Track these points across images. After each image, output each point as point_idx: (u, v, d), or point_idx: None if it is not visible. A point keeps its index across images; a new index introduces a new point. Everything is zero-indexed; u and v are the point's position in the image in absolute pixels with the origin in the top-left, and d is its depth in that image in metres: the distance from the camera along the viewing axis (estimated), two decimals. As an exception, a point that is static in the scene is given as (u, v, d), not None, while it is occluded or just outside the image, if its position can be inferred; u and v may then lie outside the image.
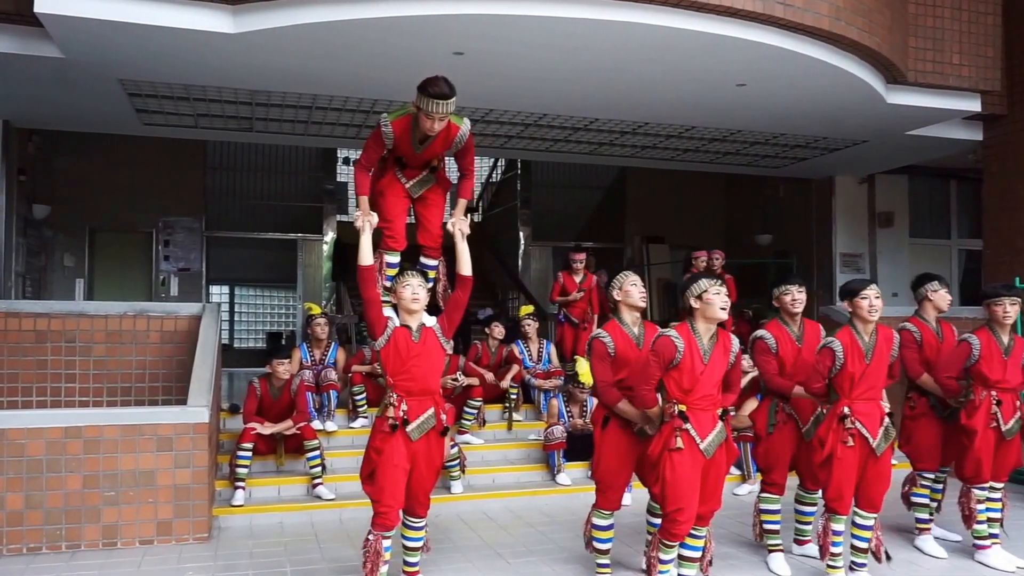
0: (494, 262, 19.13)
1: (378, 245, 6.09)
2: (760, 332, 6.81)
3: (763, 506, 6.74)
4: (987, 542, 6.82)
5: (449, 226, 5.98)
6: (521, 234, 18.52)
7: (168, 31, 8.11)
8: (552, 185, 19.20)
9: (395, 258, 6.22)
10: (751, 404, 9.29)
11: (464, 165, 6.25)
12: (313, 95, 10.51)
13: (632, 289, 6.01)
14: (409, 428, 5.48)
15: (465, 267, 5.84)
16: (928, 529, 7.17)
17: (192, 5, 8.03)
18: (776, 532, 6.65)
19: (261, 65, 9.17)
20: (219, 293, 21.24)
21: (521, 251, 18.44)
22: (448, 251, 6.18)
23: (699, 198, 18.43)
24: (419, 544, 5.89)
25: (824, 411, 6.23)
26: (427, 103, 5.64)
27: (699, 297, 5.54)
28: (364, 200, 6.08)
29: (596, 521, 6.14)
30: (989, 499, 6.87)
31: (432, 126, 5.77)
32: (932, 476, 7.19)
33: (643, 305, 6.03)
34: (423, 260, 6.36)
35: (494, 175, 21.46)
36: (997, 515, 6.92)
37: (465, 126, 5.99)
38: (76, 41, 8.39)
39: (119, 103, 10.65)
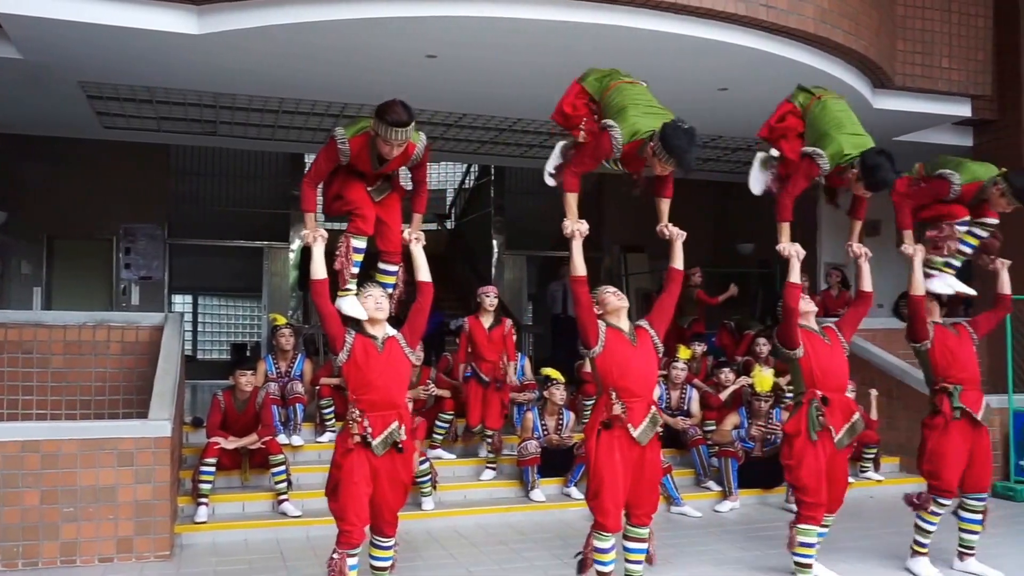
0: (467, 271, 19.15)
1: (344, 229, 6.13)
2: None
3: (802, 539, 6.51)
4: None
5: (406, 234, 6.07)
6: (495, 242, 18.52)
7: (130, 32, 8.19)
8: (527, 192, 19.16)
9: (362, 243, 6.19)
10: (733, 419, 9.42)
11: (418, 178, 6.24)
12: (280, 98, 10.60)
13: (607, 296, 6.10)
14: (373, 444, 5.51)
15: (423, 274, 5.95)
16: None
17: (155, 5, 8.12)
18: (809, 566, 6.55)
19: (227, 67, 9.25)
20: (182, 303, 21.19)
21: (495, 259, 18.44)
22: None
23: (680, 206, 18.32)
24: (387, 564, 5.90)
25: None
26: (385, 130, 5.64)
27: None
28: (310, 217, 6.13)
29: (597, 544, 5.94)
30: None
31: (390, 151, 5.80)
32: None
33: (622, 304, 6.09)
34: (382, 266, 6.34)
35: (467, 181, 21.48)
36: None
37: (421, 143, 5.97)
38: (35, 41, 8.44)
39: (79, 106, 10.71)
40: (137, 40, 8.39)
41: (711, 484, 9.49)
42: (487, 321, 9.99)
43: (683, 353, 10.24)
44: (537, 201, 19.34)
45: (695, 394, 10.18)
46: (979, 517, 7.01)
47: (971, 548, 7.07)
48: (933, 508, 6.95)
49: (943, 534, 7.11)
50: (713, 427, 9.79)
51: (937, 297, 7.27)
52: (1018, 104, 11.86)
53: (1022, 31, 11.90)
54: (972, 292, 7.32)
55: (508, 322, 10.15)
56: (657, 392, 9.90)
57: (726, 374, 10.34)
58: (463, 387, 9.89)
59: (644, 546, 5.97)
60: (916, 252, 6.99)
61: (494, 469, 9.54)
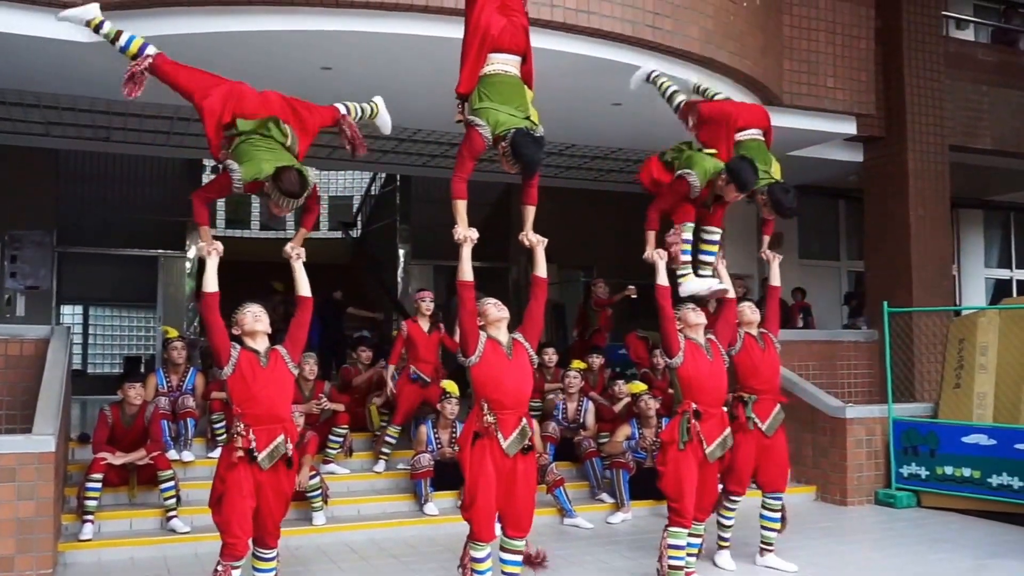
0: (373, 280, 19.14)
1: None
2: None
3: (671, 541, 6.84)
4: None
5: (288, 248, 6.24)
6: (400, 251, 18.47)
7: (20, 38, 8.17)
8: (433, 200, 19.07)
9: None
10: (625, 430, 9.64)
11: (308, 205, 6.47)
12: (175, 106, 10.57)
13: (488, 308, 6.32)
14: (259, 458, 5.65)
15: (303, 288, 6.14)
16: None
17: (48, 12, 8.05)
18: (681, 568, 6.83)
19: (120, 75, 9.22)
20: (72, 313, 20.88)
21: (400, 269, 18.43)
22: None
23: (589, 217, 18.50)
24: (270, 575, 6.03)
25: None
26: (277, 196, 5.90)
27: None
28: (205, 230, 6.29)
29: (472, 553, 6.15)
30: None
31: (279, 213, 6.06)
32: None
33: (502, 316, 6.33)
34: None
35: (373, 188, 21.45)
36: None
37: (311, 184, 6.18)
38: (-83, 44, 8.38)
39: (-39, 108, 10.61)
40: (27, 47, 8.37)
41: (604, 496, 9.74)
42: (425, 324, 10.33)
43: (576, 363, 10.47)
44: (444, 210, 19.33)
45: (591, 406, 10.41)
46: (777, 515, 7.69)
47: (770, 544, 7.75)
48: (727, 504, 7.64)
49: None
50: (607, 439, 10.03)
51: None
52: (903, 122, 12.49)
53: (904, 53, 12.57)
54: (726, 287, 7.58)
55: (442, 326, 10.53)
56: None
57: (620, 386, 10.58)
58: (403, 389, 10.13)
59: (519, 558, 6.19)
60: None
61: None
